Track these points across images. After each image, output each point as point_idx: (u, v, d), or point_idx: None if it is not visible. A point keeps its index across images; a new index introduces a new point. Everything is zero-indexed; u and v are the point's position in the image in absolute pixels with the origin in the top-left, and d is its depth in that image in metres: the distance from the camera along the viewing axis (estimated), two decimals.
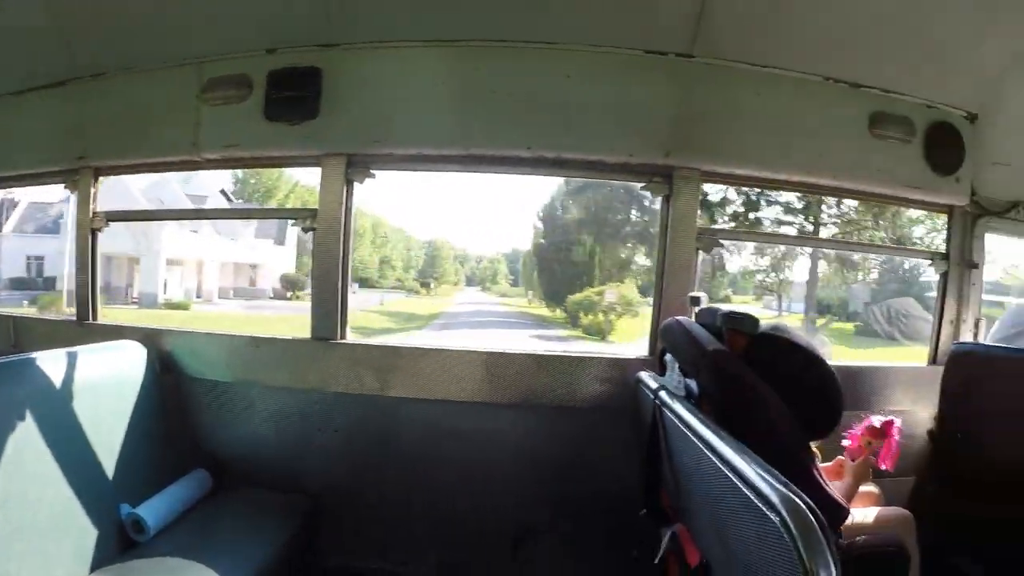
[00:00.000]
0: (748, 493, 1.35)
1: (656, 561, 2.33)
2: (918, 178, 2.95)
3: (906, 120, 2.91)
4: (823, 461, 2.38)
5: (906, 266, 15.39)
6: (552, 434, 2.83)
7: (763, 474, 1.36)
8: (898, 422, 2.41)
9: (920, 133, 2.93)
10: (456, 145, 2.78)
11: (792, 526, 1.21)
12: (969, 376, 2.54)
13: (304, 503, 2.79)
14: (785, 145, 2.82)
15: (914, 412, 2.94)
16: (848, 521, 2.30)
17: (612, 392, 2.80)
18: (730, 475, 1.45)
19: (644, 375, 2.41)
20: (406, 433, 2.86)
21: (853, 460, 2.39)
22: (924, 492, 2.89)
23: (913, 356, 5.65)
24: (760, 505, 1.29)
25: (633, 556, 2.46)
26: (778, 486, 1.30)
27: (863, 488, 2.51)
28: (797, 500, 1.26)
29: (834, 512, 2.01)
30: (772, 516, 1.25)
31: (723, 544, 1.67)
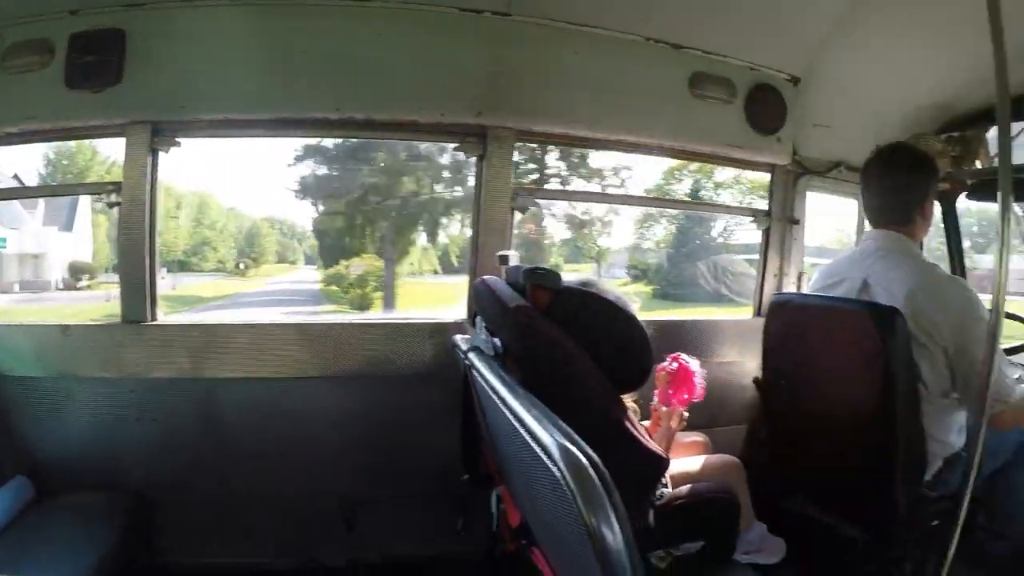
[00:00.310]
0: (537, 449, 1.31)
1: (494, 528, 2.34)
2: (740, 138, 3.04)
3: (728, 82, 2.98)
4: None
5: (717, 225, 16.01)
6: (377, 404, 2.77)
7: (549, 428, 1.33)
8: (685, 357, 2.47)
9: (742, 94, 3.01)
10: (263, 109, 2.66)
11: (571, 480, 1.18)
12: (787, 325, 2.62)
13: (130, 502, 2.61)
14: (606, 105, 2.83)
15: (742, 362, 3.06)
16: (677, 471, 2.36)
17: (433, 357, 2.77)
18: (521, 431, 1.41)
19: (459, 338, 2.37)
20: (228, 416, 2.74)
21: (661, 400, 2.45)
22: (755, 439, 3.00)
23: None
24: (546, 460, 1.26)
25: (457, 528, 2.46)
26: (560, 439, 1.26)
27: (689, 438, 2.60)
28: (577, 453, 1.22)
29: (654, 463, 2.05)
30: (555, 470, 1.21)
31: (532, 502, 1.66)
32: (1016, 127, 3.43)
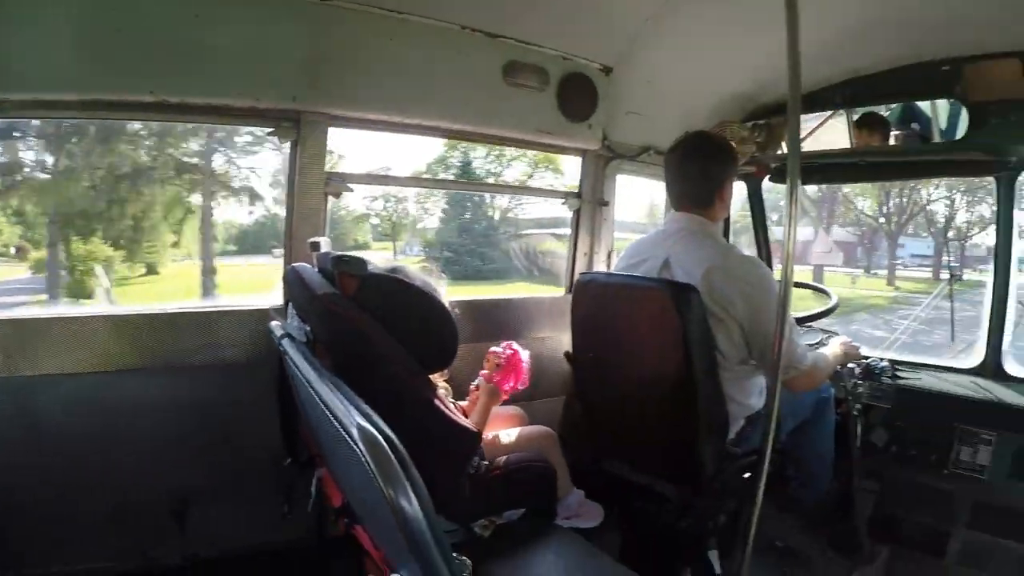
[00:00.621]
0: (340, 430, 1.37)
1: (309, 510, 2.38)
2: (552, 124, 3.17)
3: (541, 70, 3.10)
4: None
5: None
6: (201, 394, 2.71)
7: (349, 409, 1.40)
8: (516, 345, 2.62)
9: (555, 83, 3.13)
10: (73, 90, 2.51)
11: (368, 456, 1.25)
12: (593, 302, 2.75)
13: None
14: (421, 91, 2.87)
15: (555, 337, 3.21)
16: (493, 443, 2.50)
17: (252, 344, 2.74)
18: (328, 414, 1.47)
19: (274, 324, 2.38)
20: (48, 416, 2.55)
21: (487, 381, 2.57)
22: (570, 410, 3.17)
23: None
24: (348, 439, 1.32)
25: (285, 513, 2.48)
26: (358, 419, 1.33)
27: (506, 411, 2.71)
28: (372, 430, 1.29)
29: (465, 437, 2.18)
30: (356, 449, 1.28)
31: (348, 482, 1.72)
32: (816, 118, 3.83)
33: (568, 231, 3.57)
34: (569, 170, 3.63)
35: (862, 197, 26.65)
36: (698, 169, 2.67)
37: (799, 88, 1.92)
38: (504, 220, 16.70)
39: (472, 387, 2.65)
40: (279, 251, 2.85)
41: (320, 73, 2.69)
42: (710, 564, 2.69)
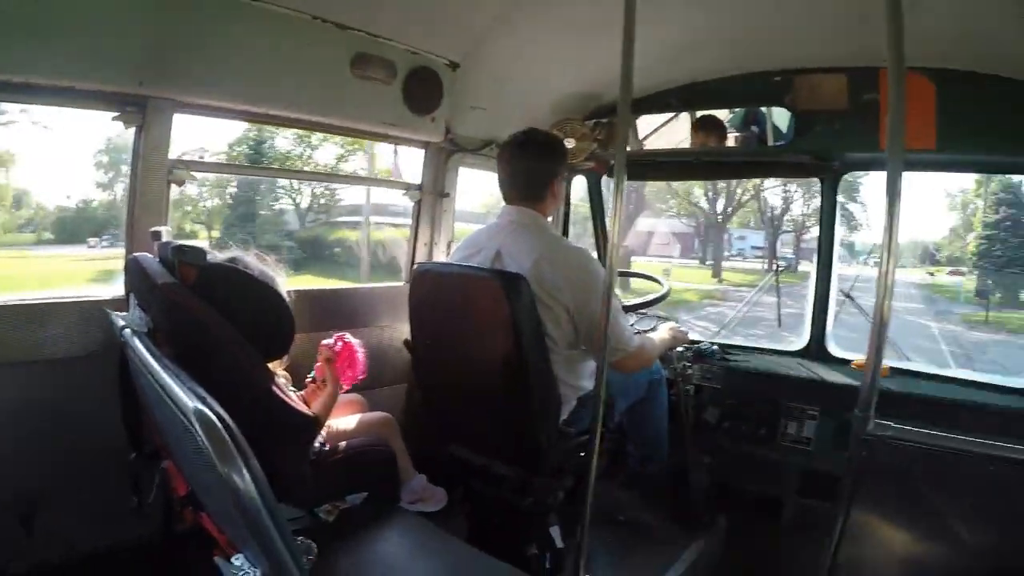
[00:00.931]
0: (179, 415, 1.41)
1: (150, 500, 2.37)
2: (396, 117, 3.23)
3: (389, 63, 3.14)
4: None
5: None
6: (36, 392, 2.59)
7: (187, 394, 1.43)
8: (349, 336, 2.68)
9: (401, 76, 3.19)
10: None
11: (204, 437, 1.30)
12: (430, 291, 2.84)
13: None
14: (268, 80, 2.87)
15: (396, 326, 3.29)
16: (334, 429, 2.57)
17: (91, 337, 2.66)
18: (168, 401, 1.49)
19: (115, 315, 2.33)
20: None
21: (322, 377, 2.62)
22: (412, 396, 3.26)
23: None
24: (185, 423, 1.36)
25: (133, 508, 2.45)
26: (195, 403, 1.37)
27: (347, 399, 2.76)
28: (208, 412, 1.34)
29: (303, 423, 2.24)
30: (193, 432, 1.32)
31: (190, 469, 1.74)
32: (661, 118, 4.07)
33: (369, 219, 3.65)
34: (387, 156, 3.66)
35: (700, 192, 28.19)
36: (528, 164, 2.80)
37: (630, 91, 2.05)
38: (315, 208, 16.61)
39: (308, 380, 2.70)
40: (95, 240, 2.75)
41: (167, 58, 2.63)
42: (553, 540, 2.84)
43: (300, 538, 2.07)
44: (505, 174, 2.84)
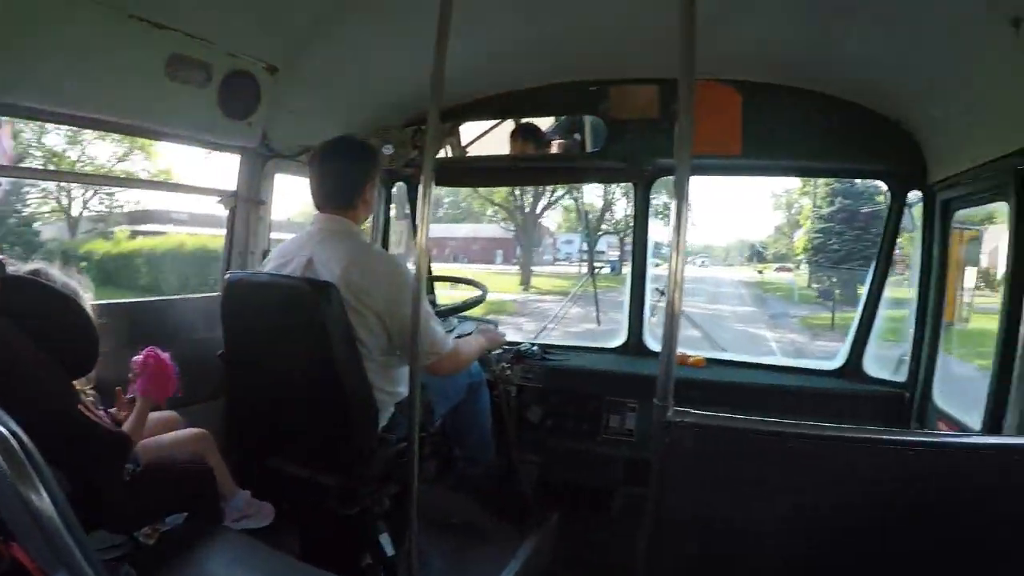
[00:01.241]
0: None
1: None
2: (211, 121, 3.15)
3: (206, 66, 3.04)
4: None
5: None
6: None
7: None
8: (159, 351, 2.58)
9: (218, 79, 3.10)
10: None
11: (1, 459, 1.24)
12: (242, 300, 2.82)
13: None
14: (80, 79, 2.72)
15: (211, 339, 3.15)
16: (147, 447, 2.50)
17: None
18: None
19: None
20: None
21: (142, 394, 2.51)
22: (231, 411, 3.18)
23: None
24: None
25: None
26: None
27: (160, 416, 2.68)
28: (3, 431, 1.28)
29: (111, 441, 2.19)
30: None
31: None
32: (484, 125, 4.18)
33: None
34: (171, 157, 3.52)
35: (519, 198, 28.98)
36: (338, 172, 2.83)
37: (441, 98, 2.12)
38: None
39: (125, 397, 2.57)
40: None
41: None
42: (384, 548, 2.85)
43: (125, 566, 2.01)
44: (316, 181, 2.85)
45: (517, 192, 27.60)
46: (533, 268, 30.84)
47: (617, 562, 2.27)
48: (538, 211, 30.52)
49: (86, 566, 1.29)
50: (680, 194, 1.87)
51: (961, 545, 2.04)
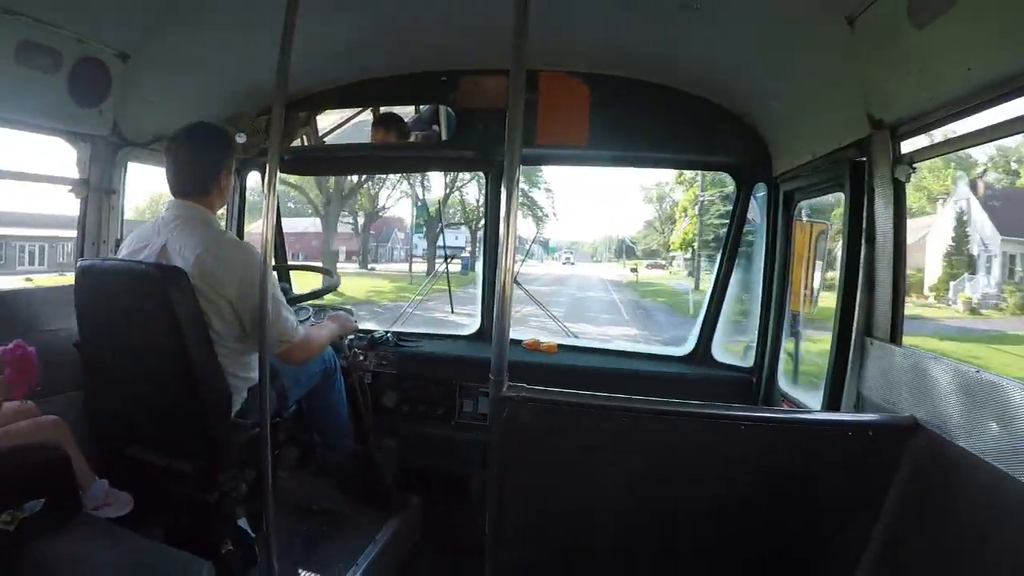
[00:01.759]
0: None
1: None
2: (60, 109, 3.13)
3: (55, 52, 3.01)
4: None
5: None
6: None
7: None
8: (22, 342, 2.63)
9: (67, 66, 3.07)
10: None
11: None
12: (94, 288, 2.84)
13: None
14: None
15: (67, 329, 3.16)
16: (3, 434, 2.52)
17: None
18: None
19: None
20: None
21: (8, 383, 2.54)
22: (90, 400, 3.16)
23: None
24: None
25: None
26: None
27: (16, 406, 2.68)
28: None
29: None
30: None
31: None
32: (343, 113, 4.27)
33: None
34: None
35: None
36: (192, 158, 2.89)
37: (286, 87, 2.28)
38: None
39: None
40: None
41: None
42: (245, 533, 2.98)
43: None
44: (172, 168, 2.89)
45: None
46: (375, 266, 30.14)
47: (477, 543, 2.44)
48: (384, 204, 30.00)
49: None
50: (509, 184, 2.07)
51: (798, 513, 2.37)
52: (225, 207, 4.39)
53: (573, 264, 44.63)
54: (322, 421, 3.63)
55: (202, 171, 2.88)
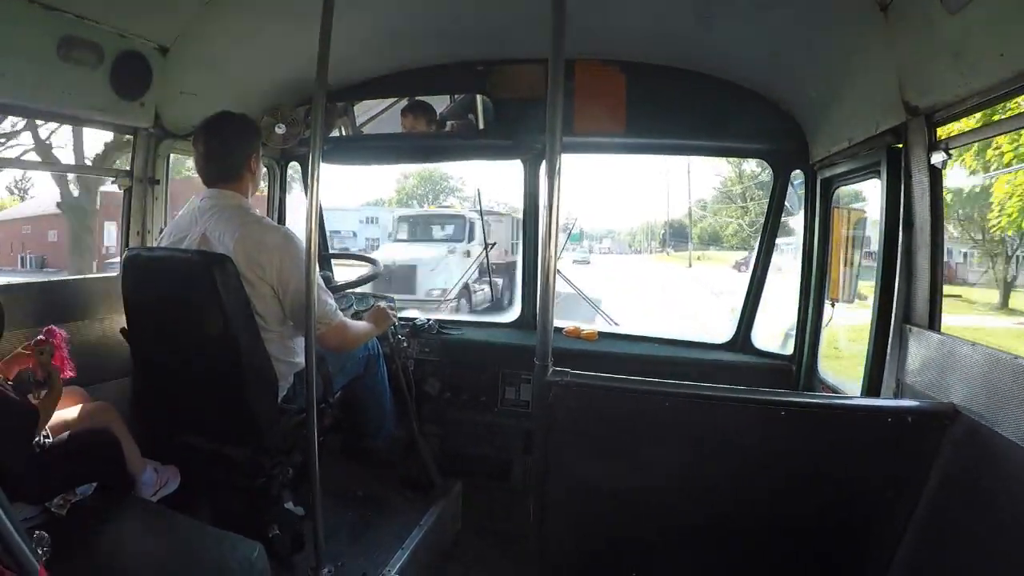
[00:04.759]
0: None
1: None
2: (103, 102, 3.23)
3: (97, 47, 3.10)
4: None
5: None
6: None
7: None
8: (60, 329, 2.70)
9: (109, 60, 3.17)
10: None
11: None
12: (140, 277, 2.95)
13: None
14: None
15: (114, 317, 3.30)
16: (55, 421, 2.62)
17: None
18: None
19: None
20: None
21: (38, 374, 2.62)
22: (137, 386, 3.33)
23: None
24: None
25: None
26: None
27: (67, 391, 2.74)
28: None
29: (23, 415, 2.35)
30: None
31: None
32: (381, 103, 4.33)
33: None
34: None
35: None
36: (221, 146, 2.97)
37: (326, 78, 2.32)
38: None
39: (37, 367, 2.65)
40: None
41: None
42: (293, 517, 3.04)
43: (38, 532, 2.13)
44: (201, 156, 2.98)
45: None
46: None
47: (519, 529, 2.47)
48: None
49: (13, 531, 1.42)
50: (551, 172, 2.14)
51: (837, 498, 2.39)
52: (265, 199, 4.56)
53: (588, 263, 34.82)
54: (363, 408, 3.69)
55: (230, 159, 2.95)
